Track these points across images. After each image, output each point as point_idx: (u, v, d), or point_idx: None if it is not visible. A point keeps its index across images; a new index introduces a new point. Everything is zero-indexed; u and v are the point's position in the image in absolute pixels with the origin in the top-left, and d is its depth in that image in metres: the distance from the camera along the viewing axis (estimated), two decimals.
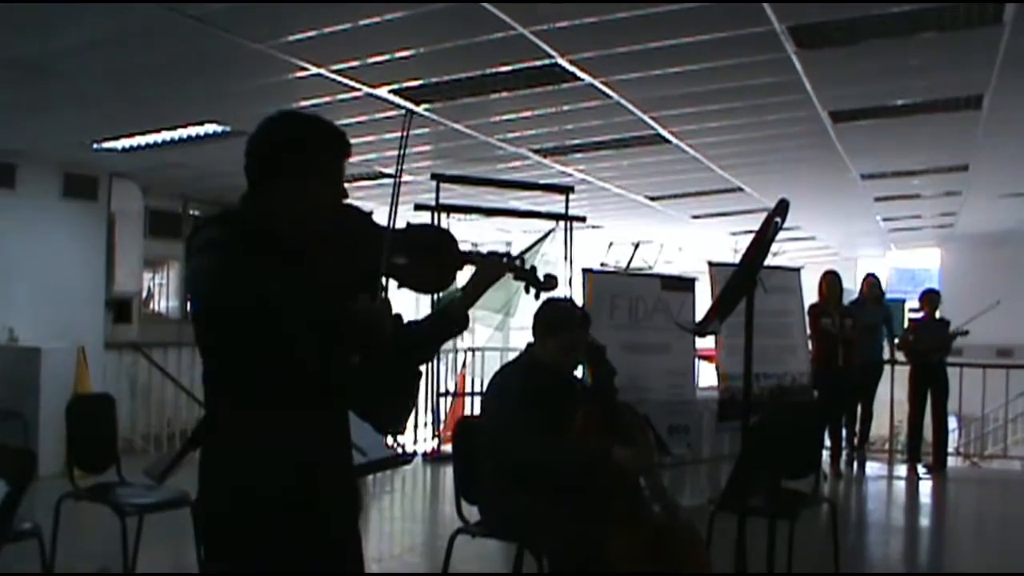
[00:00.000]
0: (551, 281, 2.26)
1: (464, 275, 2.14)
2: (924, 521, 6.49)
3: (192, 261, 1.90)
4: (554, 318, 3.43)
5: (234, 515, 1.88)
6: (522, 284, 2.27)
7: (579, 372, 3.88)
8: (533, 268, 2.22)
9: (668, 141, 6.62)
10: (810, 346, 6.98)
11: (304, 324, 1.82)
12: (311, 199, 1.92)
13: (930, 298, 8.09)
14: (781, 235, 2.77)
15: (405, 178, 7.59)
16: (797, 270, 7.04)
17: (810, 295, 7.13)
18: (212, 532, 1.94)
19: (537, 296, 2.31)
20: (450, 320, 2.07)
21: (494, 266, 2.12)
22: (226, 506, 1.88)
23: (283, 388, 1.85)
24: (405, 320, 1.97)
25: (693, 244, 12.96)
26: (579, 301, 5.03)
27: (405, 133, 2.16)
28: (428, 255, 2.04)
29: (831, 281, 7.26)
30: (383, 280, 1.92)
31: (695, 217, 10.80)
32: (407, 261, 1.98)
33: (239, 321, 1.80)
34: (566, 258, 8.07)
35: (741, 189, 8.77)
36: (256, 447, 1.87)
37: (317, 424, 1.94)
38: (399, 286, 2.03)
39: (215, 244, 1.85)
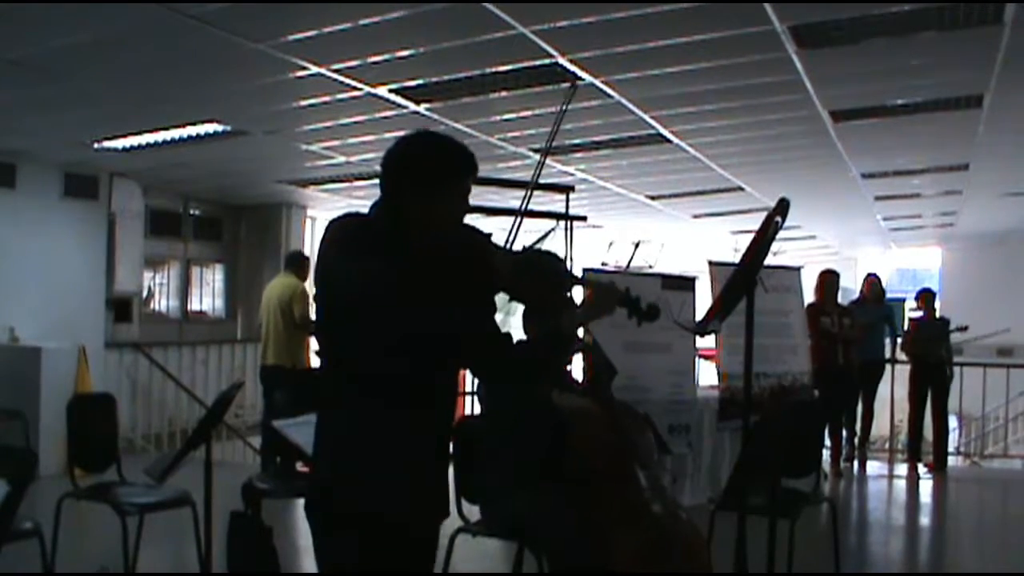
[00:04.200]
0: (654, 310, 2.35)
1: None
2: (924, 520, 6.49)
3: (341, 273, 2.02)
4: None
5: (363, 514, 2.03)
6: None
7: (579, 374, 3.88)
8: (638, 298, 2.34)
9: (668, 140, 6.62)
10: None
11: (429, 327, 2.00)
12: (435, 214, 2.09)
13: (926, 297, 8.10)
14: (781, 234, 2.77)
15: None
16: (797, 269, 7.03)
17: (810, 294, 7.12)
18: (338, 526, 2.06)
19: (639, 324, 2.38)
20: (561, 340, 2.25)
21: (608, 295, 2.29)
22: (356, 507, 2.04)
23: (403, 388, 2.02)
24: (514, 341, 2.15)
25: (693, 243, 12.96)
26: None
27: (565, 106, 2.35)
28: (545, 275, 2.22)
29: (828, 280, 7.26)
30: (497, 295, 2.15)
31: (695, 216, 10.80)
32: (526, 278, 2.16)
33: (375, 323, 1.97)
34: (566, 257, 8.06)
35: (741, 188, 8.77)
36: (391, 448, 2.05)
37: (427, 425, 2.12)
38: (512, 299, 2.22)
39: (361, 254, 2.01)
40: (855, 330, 7.14)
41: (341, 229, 2.09)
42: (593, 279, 2.35)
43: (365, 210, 2.20)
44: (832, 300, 7.23)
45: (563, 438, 3.21)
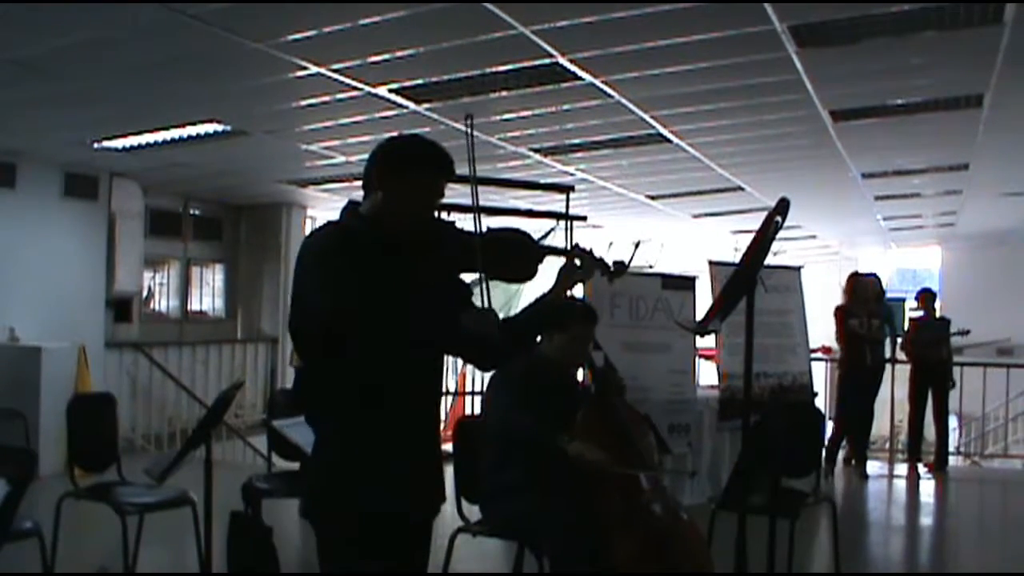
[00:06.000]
0: (619, 265, 2.39)
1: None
2: (924, 520, 6.49)
3: (317, 276, 2.07)
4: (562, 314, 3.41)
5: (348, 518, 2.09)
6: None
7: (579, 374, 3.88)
8: (602, 258, 2.38)
9: (668, 140, 6.62)
10: (812, 345, 6.98)
11: (401, 323, 2.02)
12: (403, 206, 2.15)
13: (926, 297, 8.11)
14: (781, 234, 2.77)
15: None
16: (798, 269, 7.04)
17: (810, 294, 7.12)
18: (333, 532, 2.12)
19: (611, 280, 2.41)
20: (546, 311, 2.30)
21: (580, 259, 2.32)
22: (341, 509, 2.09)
23: (377, 386, 2.06)
24: (501, 317, 2.18)
25: (694, 243, 12.96)
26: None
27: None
28: (515, 251, 2.29)
29: (859, 282, 7.27)
30: (477, 278, 2.21)
31: (695, 216, 10.80)
32: (499, 258, 2.23)
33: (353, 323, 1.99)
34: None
35: (741, 188, 8.77)
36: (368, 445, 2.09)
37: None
38: (491, 278, 2.28)
39: (325, 255, 2.07)
40: (878, 331, 7.17)
41: (321, 244, 2.12)
42: (560, 247, 2.43)
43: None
44: (861, 302, 7.24)
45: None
